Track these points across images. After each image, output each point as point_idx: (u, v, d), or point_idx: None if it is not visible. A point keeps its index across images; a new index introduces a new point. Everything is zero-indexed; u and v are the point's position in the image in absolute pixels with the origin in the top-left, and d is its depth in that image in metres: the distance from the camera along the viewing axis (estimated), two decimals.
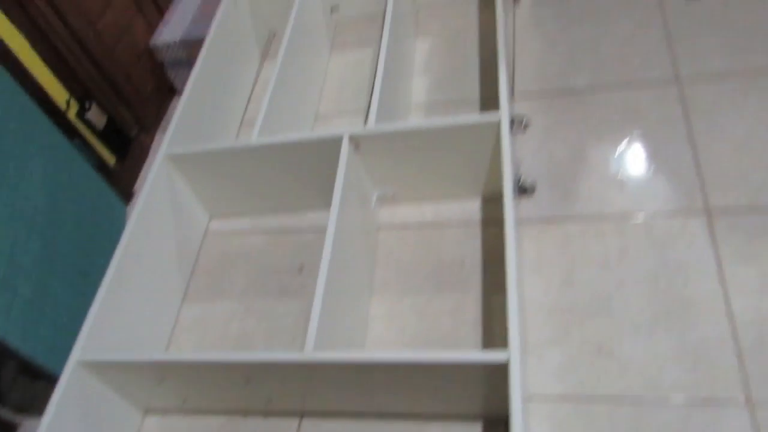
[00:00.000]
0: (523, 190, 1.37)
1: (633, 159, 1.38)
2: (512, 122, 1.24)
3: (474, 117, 1.21)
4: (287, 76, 1.52)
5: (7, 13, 1.44)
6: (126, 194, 1.75)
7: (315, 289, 1.07)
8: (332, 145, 1.28)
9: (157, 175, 1.36)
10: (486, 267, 1.30)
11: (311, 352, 1.01)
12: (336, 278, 1.13)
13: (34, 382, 1.37)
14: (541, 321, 1.20)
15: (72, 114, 1.56)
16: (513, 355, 0.90)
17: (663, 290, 1.17)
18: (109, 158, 1.67)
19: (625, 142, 1.41)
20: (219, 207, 1.55)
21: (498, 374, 0.92)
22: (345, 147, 1.26)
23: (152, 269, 1.34)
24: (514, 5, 1.80)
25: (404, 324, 1.27)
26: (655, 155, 1.37)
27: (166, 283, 1.39)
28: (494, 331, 1.20)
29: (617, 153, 1.40)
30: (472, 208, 1.40)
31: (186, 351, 1.36)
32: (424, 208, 1.43)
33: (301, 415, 1.20)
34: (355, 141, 1.28)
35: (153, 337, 1.34)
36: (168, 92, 2.05)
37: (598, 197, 1.34)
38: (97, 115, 1.60)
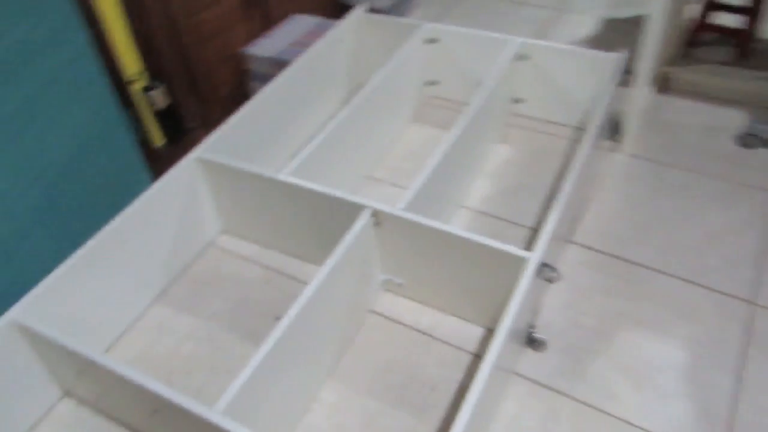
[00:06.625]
0: (530, 341, 1.22)
1: (664, 365, 1.20)
2: (543, 267, 1.11)
3: (503, 246, 1.09)
4: (350, 127, 1.47)
5: None
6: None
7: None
8: (353, 210, 1.20)
9: (180, 171, 1.33)
10: (455, 403, 1.16)
11: (219, 413, 0.90)
12: (293, 339, 1.03)
13: None
14: None
15: (138, 86, 1.57)
16: None
17: None
18: (158, 139, 1.67)
19: (665, 341, 1.23)
20: (234, 225, 1.49)
21: None
22: (364, 218, 1.17)
23: (135, 256, 1.28)
24: (613, 146, 1.67)
25: (345, 423, 1.14)
26: (691, 372, 1.18)
27: (141, 275, 1.33)
28: None
29: (651, 349, 1.22)
30: (471, 335, 1.26)
31: (129, 350, 1.29)
32: (425, 313, 1.31)
33: None
34: (378, 217, 1.19)
35: (107, 324, 1.28)
36: (243, 101, 2.03)
37: (606, 388, 1.16)
38: (161, 96, 1.61)
